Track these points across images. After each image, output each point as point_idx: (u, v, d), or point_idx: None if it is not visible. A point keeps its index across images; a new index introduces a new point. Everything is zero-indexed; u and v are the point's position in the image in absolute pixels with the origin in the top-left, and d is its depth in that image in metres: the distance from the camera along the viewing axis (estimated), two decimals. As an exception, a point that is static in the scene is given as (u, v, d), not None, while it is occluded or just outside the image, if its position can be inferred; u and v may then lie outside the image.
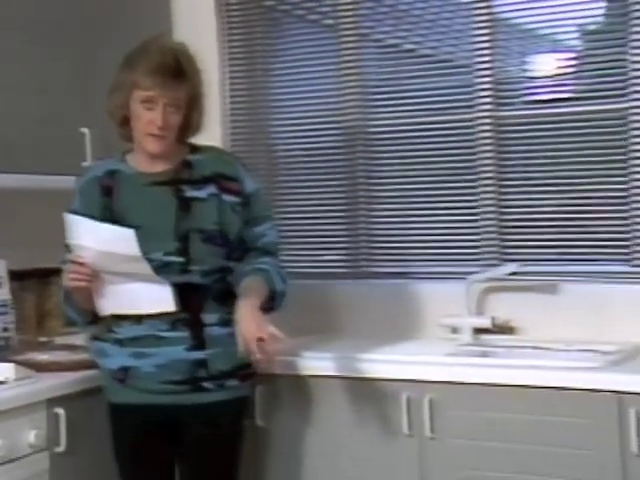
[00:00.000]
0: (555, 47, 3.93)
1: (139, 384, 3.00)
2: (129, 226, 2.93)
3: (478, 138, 3.88)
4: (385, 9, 4.08)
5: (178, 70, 2.94)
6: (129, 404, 3.05)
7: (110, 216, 3.03)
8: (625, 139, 3.67)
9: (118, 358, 3.02)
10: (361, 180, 4.08)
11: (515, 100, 3.92)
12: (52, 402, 3.09)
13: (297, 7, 4.26)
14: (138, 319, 2.99)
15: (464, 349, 3.62)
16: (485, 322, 3.76)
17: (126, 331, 3.00)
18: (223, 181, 3.08)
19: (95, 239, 2.96)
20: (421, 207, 4.00)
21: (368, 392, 3.19)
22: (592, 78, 3.82)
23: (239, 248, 3.09)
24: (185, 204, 3.04)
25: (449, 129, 3.95)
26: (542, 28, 3.89)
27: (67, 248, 3.15)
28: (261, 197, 3.20)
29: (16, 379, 3.07)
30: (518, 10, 3.88)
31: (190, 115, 3.06)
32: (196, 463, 3.12)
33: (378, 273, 3.99)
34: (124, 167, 3.11)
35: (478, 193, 3.90)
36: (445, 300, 3.78)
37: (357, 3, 4.07)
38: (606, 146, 3.72)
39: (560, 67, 3.89)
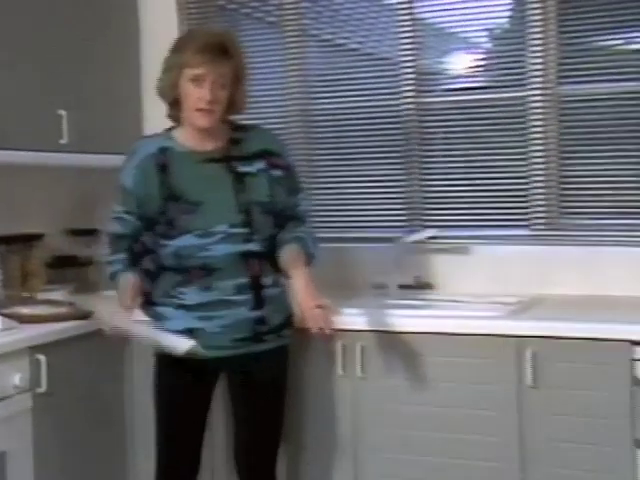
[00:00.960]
0: (467, 45, 3.96)
1: (206, 342, 2.88)
2: (190, 202, 2.92)
3: (404, 120, 3.90)
4: (321, 8, 4.07)
5: (223, 49, 2.88)
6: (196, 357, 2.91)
7: (168, 193, 2.94)
8: (524, 122, 3.74)
9: (182, 320, 2.93)
10: (303, 157, 4.07)
11: (435, 89, 3.93)
12: (34, 349, 3.09)
13: (244, 6, 4.23)
14: (207, 286, 2.92)
15: (391, 303, 3.62)
16: (409, 279, 3.80)
17: (192, 297, 2.92)
18: (269, 157, 3.03)
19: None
20: (355, 181, 4.03)
21: (310, 340, 3.18)
22: (497, 71, 3.89)
23: (281, 216, 3.05)
24: (239, 179, 2.98)
25: (378, 112, 3.97)
26: (456, 28, 3.92)
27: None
28: (295, 170, 3.17)
29: (2, 329, 3.08)
30: (436, 12, 3.90)
31: (234, 93, 2.96)
32: (257, 404, 3.08)
33: (319, 238, 4.01)
34: (174, 144, 3.00)
35: (404, 168, 3.93)
36: (375, 261, 3.82)
37: (297, 2, 4.06)
38: (509, 127, 3.79)
39: (472, 61, 3.95)
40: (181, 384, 3.04)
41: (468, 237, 3.82)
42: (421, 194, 3.91)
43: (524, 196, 3.76)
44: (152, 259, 3.02)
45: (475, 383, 3.12)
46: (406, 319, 3.24)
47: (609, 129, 3.63)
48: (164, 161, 2.97)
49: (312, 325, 2.87)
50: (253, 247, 2.95)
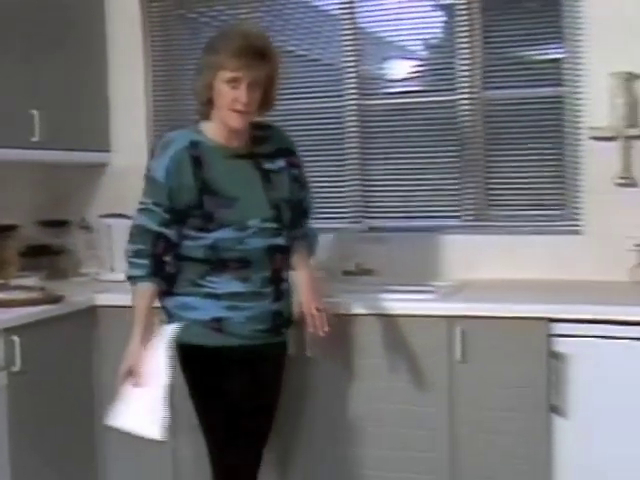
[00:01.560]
0: (404, 52, 3.98)
1: (233, 331, 2.80)
2: (227, 197, 2.77)
3: (346, 121, 3.92)
4: (272, 17, 4.04)
5: (260, 52, 2.72)
6: (223, 346, 2.81)
7: (203, 186, 2.76)
8: (455, 123, 3.77)
9: (210, 310, 2.79)
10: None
11: (375, 92, 3.95)
12: (8, 331, 3.08)
13: (203, 15, 4.20)
14: (245, 278, 2.79)
15: (334, 287, 3.60)
16: (351, 266, 3.81)
17: (224, 286, 2.78)
18: (288, 155, 2.95)
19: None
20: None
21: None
22: (430, 76, 3.93)
23: (296, 211, 2.96)
24: (266, 176, 2.87)
25: (324, 113, 3.98)
26: (394, 37, 3.94)
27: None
28: (302, 164, 3.06)
29: (-22, 314, 3.05)
30: (376, 22, 3.91)
31: (268, 93, 2.81)
32: (266, 384, 2.97)
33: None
34: (204, 139, 2.81)
35: (347, 165, 3.94)
36: (321, 249, 3.80)
37: (251, 12, 4.05)
38: (441, 128, 3.80)
39: (408, 68, 3.98)
40: (222, 381, 2.85)
41: (405, 227, 3.84)
42: (363, 188, 3.93)
43: (455, 191, 3.79)
44: (174, 253, 2.83)
45: (410, 359, 3.14)
46: (349, 302, 3.25)
47: (528, 130, 3.68)
48: (197, 154, 2.78)
49: (309, 325, 2.90)
50: (280, 241, 2.87)
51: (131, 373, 2.73)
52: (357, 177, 3.93)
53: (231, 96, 2.71)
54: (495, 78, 3.71)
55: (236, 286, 2.79)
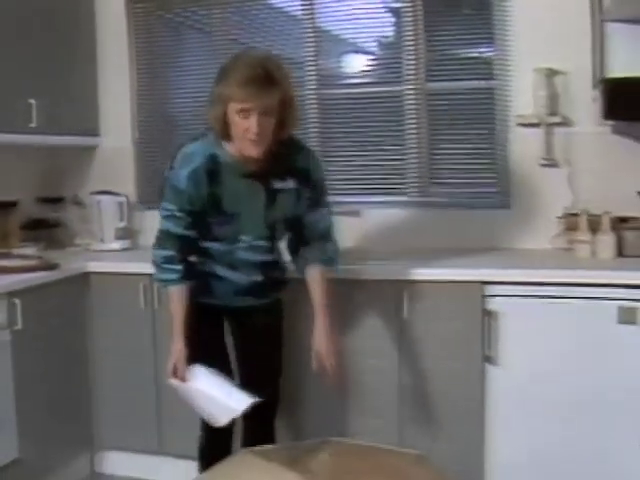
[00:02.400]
0: (358, 49, 3.93)
1: (219, 296, 2.77)
2: (227, 214, 2.63)
3: (307, 109, 3.88)
4: (240, 17, 3.99)
5: (267, 79, 2.44)
6: (211, 303, 2.78)
7: (210, 199, 2.60)
8: (401, 110, 3.75)
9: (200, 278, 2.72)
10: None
11: (332, 83, 3.90)
12: (10, 294, 3.06)
13: (178, 15, 4.13)
14: (234, 267, 2.73)
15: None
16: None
17: (215, 269, 2.73)
18: (300, 175, 2.67)
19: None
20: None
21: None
22: (380, 70, 3.88)
23: (297, 226, 2.76)
24: (272, 196, 2.65)
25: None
26: (349, 36, 3.90)
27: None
28: (322, 185, 2.76)
29: (-16, 279, 3.03)
30: (333, 22, 3.85)
31: (284, 116, 2.53)
32: (254, 344, 2.91)
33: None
34: (223, 153, 2.59)
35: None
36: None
37: (222, 13, 3.99)
38: (390, 114, 3.77)
39: (361, 62, 3.92)
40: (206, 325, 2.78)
41: (359, 203, 3.82)
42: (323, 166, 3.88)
43: (402, 170, 3.77)
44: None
45: (365, 317, 3.15)
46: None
47: (464, 117, 3.67)
48: (214, 168, 2.59)
49: (317, 367, 2.70)
50: (270, 258, 2.77)
51: (176, 370, 2.66)
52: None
53: (243, 126, 2.47)
54: (436, 72, 3.69)
55: (225, 272, 2.75)
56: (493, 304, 2.99)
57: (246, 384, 2.79)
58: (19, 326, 3.09)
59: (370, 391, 3.17)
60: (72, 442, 3.52)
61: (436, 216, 3.69)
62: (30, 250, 3.76)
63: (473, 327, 3.01)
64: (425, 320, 3.07)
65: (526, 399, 2.98)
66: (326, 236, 2.80)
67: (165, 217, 2.66)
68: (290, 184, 2.67)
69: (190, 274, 2.69)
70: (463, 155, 3.68)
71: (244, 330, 2.92)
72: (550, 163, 3.48)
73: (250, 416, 2.70)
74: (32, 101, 3.58)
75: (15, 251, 3.71)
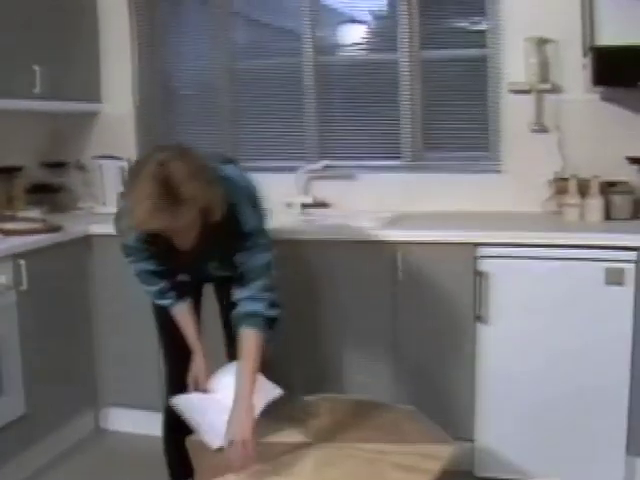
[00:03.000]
0: (354, 20, 3.86)
1: None
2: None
3: (307, 76, 3.83)
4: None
5: (173, 204, 2.03)
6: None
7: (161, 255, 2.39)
8: (396, 77, 3.70)
9: None
10: (229, 105, 3.99)
11: (329, 52, 3.85)
12: (16, 256, 3.04)
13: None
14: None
15: (296, 217, 3.65)
16: (309, 199, 3.78)
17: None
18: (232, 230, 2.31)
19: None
20: (270, 123, 3.94)
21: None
22: (376, 39, 3.83)
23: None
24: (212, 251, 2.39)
25: (287, 69, 3.87)
26: (346, 7, 3.86)
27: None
28: (256, 233, 2.36)
29: (-10, 242, 3.01)
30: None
31: (207, 217, 2.16)
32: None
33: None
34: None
35: (305, 113, 3.86)
36: (282, 185, 3.75)
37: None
38: (386, 82, 3.72)
39: (358, 32, 3.86)
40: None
41: (354, 166, 3.79)
42: (318, 133, 3.86)
43: (396, 135, 3.73)
44: None
45: (359, 278, 3.14)
46: (308, 229, 3.26)
47: (458, 84, 3.64)
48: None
49: (227, 456, 2.23)
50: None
51: (196, 383, 2.54)
52: (314, 123, 3.86)
53: (169, 238, 2.20)
54: (430, 40, 3.64)
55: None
56: (485, 265, 2.97)
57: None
58: (24, 287, 3.08)
59: (364, 350, 3.17)
60: (77, 399, 3.52)
61: (429, 180, 3.66)
62: (34, 213, 3.73)
63: (465, 287, 3.00)
64: (419, 281, 3.05)
65: (515, 357, 2.98)
66: (257, 276, 2.35)
67: (133, 262, 2.47)
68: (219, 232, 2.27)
69: (185, 291, 2.56)
70: (456, 121, 3.64)
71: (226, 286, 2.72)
72: (541, 129, 3.45)
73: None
74: (36, 68, 3.53)
75: (20, 214, 3.68)
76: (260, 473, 2.17)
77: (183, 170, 2.07)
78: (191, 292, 2.59)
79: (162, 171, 2.05)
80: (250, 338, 2.31)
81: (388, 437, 2.33)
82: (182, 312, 2.56)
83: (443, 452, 2.25)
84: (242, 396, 2.28)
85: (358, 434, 2.34)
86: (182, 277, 2.55)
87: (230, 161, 2.54)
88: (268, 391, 2.39)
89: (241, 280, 2.36)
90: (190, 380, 2.55)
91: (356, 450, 2.25)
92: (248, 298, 2.34)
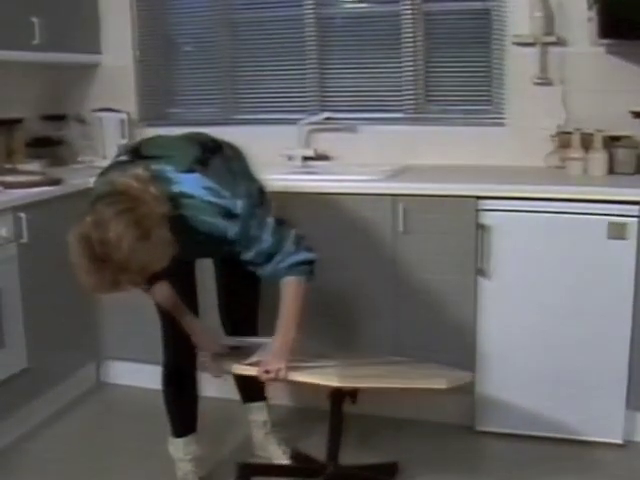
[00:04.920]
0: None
1: None
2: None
3: (305, 24, 3.75)
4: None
5: (101, 268, 1.95)
6: None
7: None
8: (398, 29, 3.62)
9: None
10: (228, 57, 3.91)
11: (330, 3, 3.74)
12: (16, 208, 3.01)
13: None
14: None
15: (297, 170, 3.60)
16: (310, 152, 3.73)
17: None
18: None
19: None
20: (269, 74, 3.86)
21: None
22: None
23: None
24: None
25: (287, 22, 3.79)
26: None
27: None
28: (244, 233, 2.22)
29: (-11, 194, 2.97)
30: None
31: (144, 273, 2.03)
32: (234, 272, 2.56)
33: (239, 120, 3.87)
34: None
35: (306, 64, 3.79)
36: (283, 138, 3.72)
37: None
38: (388, 34, 3.64)
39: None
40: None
41: (356, 119, 3.72)
42: (319, 85, 3.79)
43: (398, 88, 3.67)
44: None
45: (361, 230, 3.10)
46: (310, 182, 3.20)
47: (461, 37, 3.56)
48: None
49: (260, 375, 2.29)
50: None
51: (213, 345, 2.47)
52: (316, 74, 3.78)
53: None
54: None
55: None
56: (487, 218, 2.93)
57: (224, 314, 2.75)
58: (25, 239, 3.04)
59: (367, 303, 3.14)
60: (78, 352, 3.51)
61: (431, 133, 3.60)
62: (34, 166, 3.68)
63: (467, 241, 2.96)
64: (420, 234, 3.02)
65: (516, 311, 2.96)
66: (276, 253, 2.28)
67: None
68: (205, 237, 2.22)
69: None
70: (459, 73, 3.57)
71: (220, 263, 2.71)
72: (545, 82, 3.39)
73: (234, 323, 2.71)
74: (34, 19, 3.46)
75: (20, 167, 3.64)
76: (295, 366, 2.25)
77: (102, 237, 1.97)
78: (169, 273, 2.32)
79: (83, 246, 2.00)
80: (295, 285, 2.29)
81: (408, 367, 2.51)
82: (164, 290, 2.43)
83: (461, 374, 2.41)
84: (280, 335, 2.29)
85: (378, 360, 2.56)
86: None
87: (212, 150, 2.34)
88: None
89: (265, 259, 2.27)
90: (200, 365, 2.49)
91: (383, 364, 2.48)
92: (282, 258, 2.27)
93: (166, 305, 2.47)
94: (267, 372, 2.26)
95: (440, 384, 2.14)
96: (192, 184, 2.18)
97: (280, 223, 2.30)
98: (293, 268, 2.28)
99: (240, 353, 2.40)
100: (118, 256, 1.94)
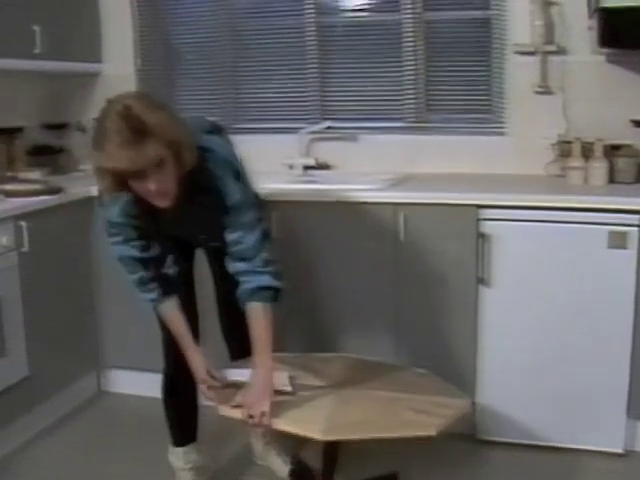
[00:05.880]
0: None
1: None
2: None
3: (306, 32, 3.77)
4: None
5: (139, 135, 1.97)
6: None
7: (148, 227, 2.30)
8: (399, 38, 3.62)
9: None
10: (230, 65, 3.92)
11: (331, 12, 3.75)
12: (17, 217, 3.01)
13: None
14: None
15: (298, 179, 3.61)
16: (311, 161, 3.73)
17: None
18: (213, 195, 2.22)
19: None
20: (270, 84, 3.86)
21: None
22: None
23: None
24: (199, 213, 2.32)
25: (288, 30, 3.80)
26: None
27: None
28: (241, 205, 2.25)
29: (-9, 203, 2.97)
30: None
31: (178, 157, 2.07)
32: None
33: (240, 129, 3.88)
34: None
35: (307, 73, 3.80)
36: (284, 147, 3.73)
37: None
38: (389, 42, 3.65)
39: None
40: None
41: (357, 128, 3.73)
42: (321, 94, 3.80)
43: (400, 96, 3.67)
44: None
45: (362, 239, 3.10)
46: (310, 190, 3.21)
47: (462, 45, 3.57)
48: (139, 204, 2.21)
49: (245, 419, 2.19)
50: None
51: (212, 376, 2.37)
52: (317, 83, 3.80)
53: (141, 190, 2.09)
54: (434, 2, 3.57)
55: None
56: (487, 227, 2.93)
57: (226, 309, 2.73)
58: (26, 248, 3.04)
59: (368, 311, 3.14)
60: (79, 361, 3.51)
61: (432, 142, 3.61)
62: (35, 175, 3.69)
63: (468, 249, 2.96)
64: (421, 242, 3.02)
65: (517, 320, 2.96)
66: (256, 253, 2.27)
67: (116, 243, 2.34)
68: (205, 201, 2.25)
69: (172, 287, 2.41)
70: (460, 82, 3.58)
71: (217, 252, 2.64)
72: (545, 91, 3.40)
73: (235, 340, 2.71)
74: (35, 28, 3.47)
75: (21, 175, 3.64)
76: (282, 403, 2.18)
77: (145, 103, 2.04)
78: (178, 289, 2.43)
79: (126, 109, 2.00)
80: (261, 312, 2.25)
81: (405, 388, 2.35)
82: (170, 310, 2.41)
83: (459, 404, 2.26)
84: (260, 368, 2.23)
85: (374, 384, 2.36)
86: (168, 270, 2.42)
87: (218, 130, 2.46)
88: (281, 379, 2.32)
89: (238, 256, 2.27)
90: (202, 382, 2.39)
91: (374, 394, 2.27)
92: (250, 272, 2.26)
93: (171, 325, 2.43)
94: (251, 417, 2.16)
95: (430, 431, 2.08)
96: (215, 141, 2.31)
97: (266, 236, 2.29)
98: (256, 293, 2.25)
99: (230, 390, 2.32)
100: (151, 118, 2.00)
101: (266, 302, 2.26)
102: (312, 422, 2.07)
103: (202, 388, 2.37)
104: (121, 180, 2.06)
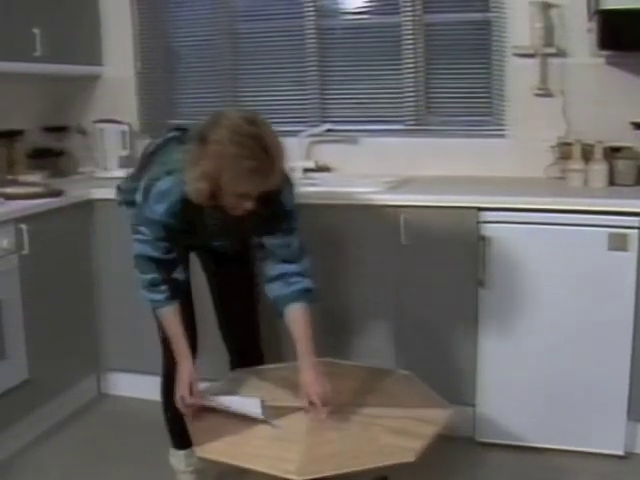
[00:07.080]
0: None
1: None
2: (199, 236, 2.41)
3: (306, 35, 3.77)
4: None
5: (271, 166, 2.05)
6: None
7: (187, 228, 2.32)
8: (399, 40, 3.63)
9: None
10: (229, 68, 3.92)
11: (330, 15, 3.76)
12: (17, 220, 3.01)
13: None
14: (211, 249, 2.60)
15: (298, 182, 3.55)
16: (311, 164, 3.74)
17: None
18: (269, 201, 2.25)
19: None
20: (271, 87, 3.87)
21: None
22: (376, 2, 3.68)
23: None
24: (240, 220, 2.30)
25: (288, 33, 3.80)
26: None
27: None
28: (292, 214, 2.40)
29: (-7, 206, 2.98)
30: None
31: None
32: (225, 270, 2.69)
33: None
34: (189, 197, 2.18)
35: (307, 76, 3.80)
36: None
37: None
38: (388, 45, 3.66)
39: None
40: None
41: (357, 130, 3.73)
42: (320, 97, 3.80)
43: (399, 99, 3.67)
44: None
45: (362, 242, 3.11)
46: (311, 193, 3.18)
47: (461, 48, 3.57)
48: (187, 204, 2.21)
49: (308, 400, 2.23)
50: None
51: (191, 391, 2.32)
52: (316, 86, 3.80)
53: (242, 207, 2.15)
54: (434, 3, 3.57)
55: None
56: (488, 230, 2.94)
57: (225, 313, 2.74)
58: (26, 251, 3.05)
59: (368, 314, 3.14)
60: (79, 364, 3.51)
61: (432, 144, 3.61)
62: (36, 178, 3.69)
63: (468, 252, 2.96)
64: (421, 244, 3.02)
65: (517, 322, 2.96)
66: (301, 256, 2.39)
67: (141, 241, 2.34)
68: (261, 210, 2.23)
69: (178, 292, 2.41)
70: (459, 84, 3.59)
71: (217, 257, 2.70)
72: (545, 93, 3.40)
73: (236, 343, 2.74)
74: (36, 30, 3.48)
75: (21, 178, 3.64)
76: (254, 441, 2.13)
77: (270, 130, 2.11)
78: (182, 295, 2.44)
79: (257, 130, 2.06)
80: (307, 312, 2.35)
81: (383, 401, 2.30)
82: (172, 314, 2.39)
83: (438, 417, 2.22)
84: (310, 360, 2.29)
85: (353, 398, 2.31)
86: (178, 275, 2.40)
87: None
88: (251, 406, 2.26)
89: (284, 259, 2.36)
90: (182, 393, 2.32)
91: (350, 414, 2.22)
92: (300, 274, 2.36)
93: (169, 327, 2.41)
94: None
95: (408, 457, 2.05)
96: None
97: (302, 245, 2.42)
98: (304, 294, 2.35)
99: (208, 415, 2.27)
100: (279, 151, 2.09)
101: (310, 303, 2.36)
102: (287, 461, 2.02)
103: (179, 402, 2.32)
104: (223, 192, 2.10)
